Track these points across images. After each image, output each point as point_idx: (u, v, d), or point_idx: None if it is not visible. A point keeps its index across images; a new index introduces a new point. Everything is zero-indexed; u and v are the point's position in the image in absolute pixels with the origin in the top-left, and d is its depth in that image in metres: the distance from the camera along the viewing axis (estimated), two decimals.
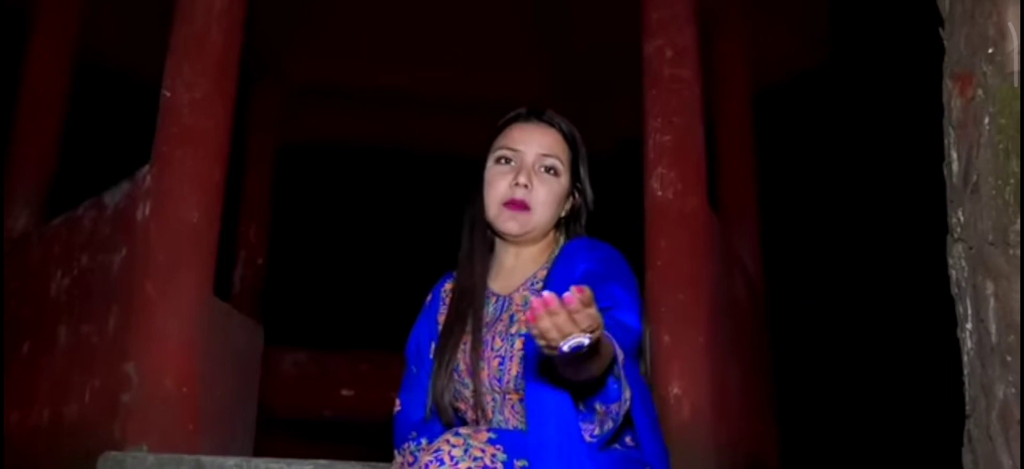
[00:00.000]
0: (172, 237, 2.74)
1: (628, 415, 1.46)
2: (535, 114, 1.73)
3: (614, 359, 1.38)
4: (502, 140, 1.71)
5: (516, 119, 1.73)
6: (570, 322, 1.17)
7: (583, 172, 1.74)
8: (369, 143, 6.09)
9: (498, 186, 1.67)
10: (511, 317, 1.63)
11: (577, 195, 1.74)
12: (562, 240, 1.74)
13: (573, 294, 1.17)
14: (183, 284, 2.72)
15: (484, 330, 1.63)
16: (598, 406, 1.44)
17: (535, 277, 1.68)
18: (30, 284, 3.21)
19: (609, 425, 1.44)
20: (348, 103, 5.79)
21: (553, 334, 1.18)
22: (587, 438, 1.46)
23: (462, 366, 1.63)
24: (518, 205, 1.65)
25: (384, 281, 6.66)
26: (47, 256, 3.18)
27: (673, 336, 2.85)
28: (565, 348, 1.19)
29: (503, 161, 1.69)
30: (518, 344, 1.58)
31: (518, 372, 1.57)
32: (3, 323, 3.19)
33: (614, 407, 1.43)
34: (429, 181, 6.48)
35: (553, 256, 1.70)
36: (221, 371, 2.85)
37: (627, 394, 1.41)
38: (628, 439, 1.56)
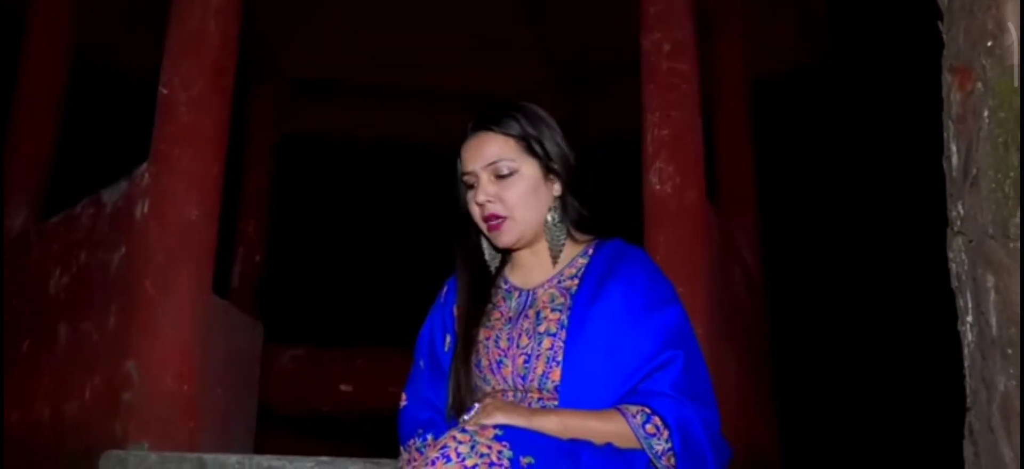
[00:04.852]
0: (171, 235, 2.74)
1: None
2: (472, 125, 1.68)
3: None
4: (460, 166, 1.68)
5: (463, 138, 1.69)
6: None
7: (548, 145, 1.64)
8: (367, 138, 6.09)
9: (474, 212, 1.66)
10: (537, 314, 1.62)
11: (556, 171, 1.66)
12: (567, 227, 1.69)
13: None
14: (182, 282, 2.72)
15: (509, 326, 1.63)
16: None
17: (562, 275, 1.67)
18: (29, 282, 3.20)
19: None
20: (346, 98, 5.79)
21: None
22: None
23: (484, 363, 1.63)
24: (493, 218, 1.63)
25: (383, 276, 6.66)
26: (46, 254, 3.18)
27: None
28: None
29: (467, 187, 1.67)
30: (546, 343, 1.58)
31: (544, 371, 1.57)
32: (3, 321, 3.19)
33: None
34: (427, 176, 6.46)
35: (569, 247, 1.69)
36: (221, 368, 2.86)
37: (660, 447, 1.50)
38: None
